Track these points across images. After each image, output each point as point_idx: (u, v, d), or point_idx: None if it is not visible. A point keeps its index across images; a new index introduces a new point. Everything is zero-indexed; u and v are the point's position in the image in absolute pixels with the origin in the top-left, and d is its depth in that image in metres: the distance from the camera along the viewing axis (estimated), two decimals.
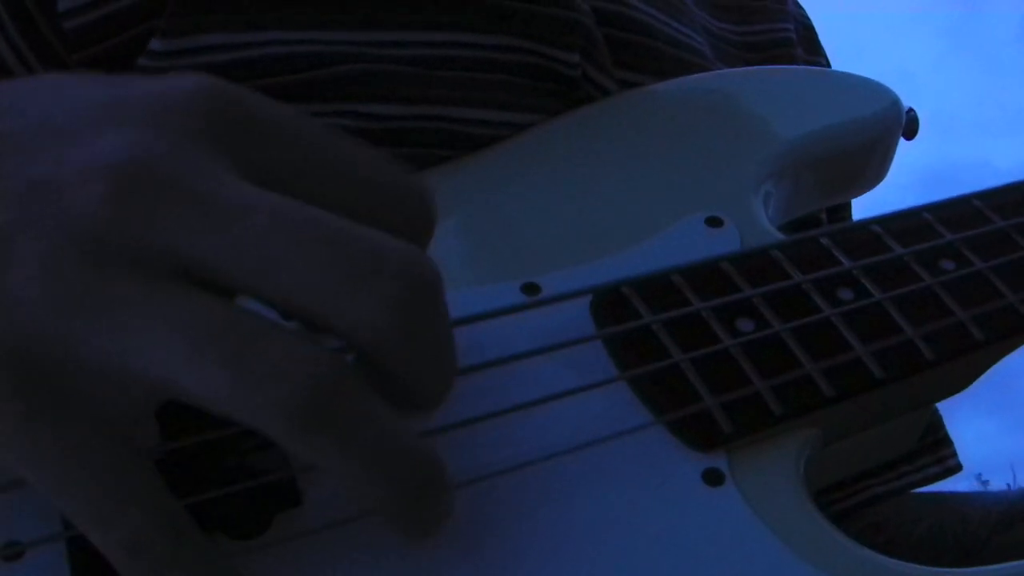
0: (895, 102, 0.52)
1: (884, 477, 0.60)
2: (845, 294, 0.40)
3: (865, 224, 0.43)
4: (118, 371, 0.26)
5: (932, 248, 0.42)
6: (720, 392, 0.36)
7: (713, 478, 0.34)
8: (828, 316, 0.39)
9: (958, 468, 0.64)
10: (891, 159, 0.53)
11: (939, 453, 0.62)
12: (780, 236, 0.43)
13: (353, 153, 0.30)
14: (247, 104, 0.29)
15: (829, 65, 0.68)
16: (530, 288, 0.40)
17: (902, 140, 0.53)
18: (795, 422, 0.36)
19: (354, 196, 0.29)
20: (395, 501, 0.27)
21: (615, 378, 0.36)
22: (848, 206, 0.63)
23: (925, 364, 0.38)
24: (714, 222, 0.43)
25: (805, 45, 0.66)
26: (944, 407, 0.56)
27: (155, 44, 0.43)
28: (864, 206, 0.56)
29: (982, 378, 0.42)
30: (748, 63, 0.62)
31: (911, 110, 0.53)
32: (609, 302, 0.39)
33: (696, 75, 0.52)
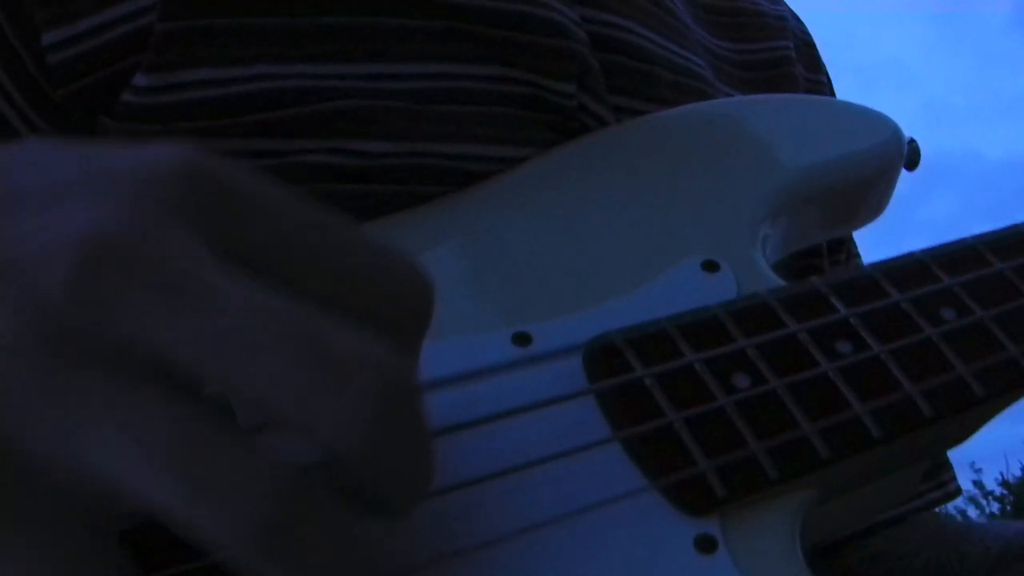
0: (897, 133, 0.51)
1: None
2: (843, 347, 0.39)
3: (865, 270, 0.42)
4: (67, 475, 0.24)
5: (932, 294, 0.41)
6: (714, 454, 0.35)
7: (706, 545, 0.34)
8: (826, 371, 0.38)
9: (958, 493, 0.64)
10: (892, 191, 0.52)
11: (940, 478, 0.61)
12: (777, 280, 0.42)
13: (342, 235, 0.28)
14: (228, 179, 0.27)
15: (830, 81, 0.67)
16: (521, 338, 0.39)
17: None
18: (791, 484, 0.36)
19: (339, 283, 0.27)
20: None
21: (608, 439, 0.35)
22: (850, 235, 0.62)
23: (924, 421, 0.37)
24: (710, 267, 0.42)
25: (805, 63, 0.65)
26: None
27: (139, 79, 0.42)
28: None
29: None
30: (747, 83, 0.61)
31: (912, 140, 0.52)
32: (602, 354, 0.38)
33: (693, 105, 0.51)
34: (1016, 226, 0.45)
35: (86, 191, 0.26)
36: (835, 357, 0.38)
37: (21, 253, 0.25)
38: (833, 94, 0.67)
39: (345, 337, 0.25)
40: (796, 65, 0.64)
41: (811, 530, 0.36)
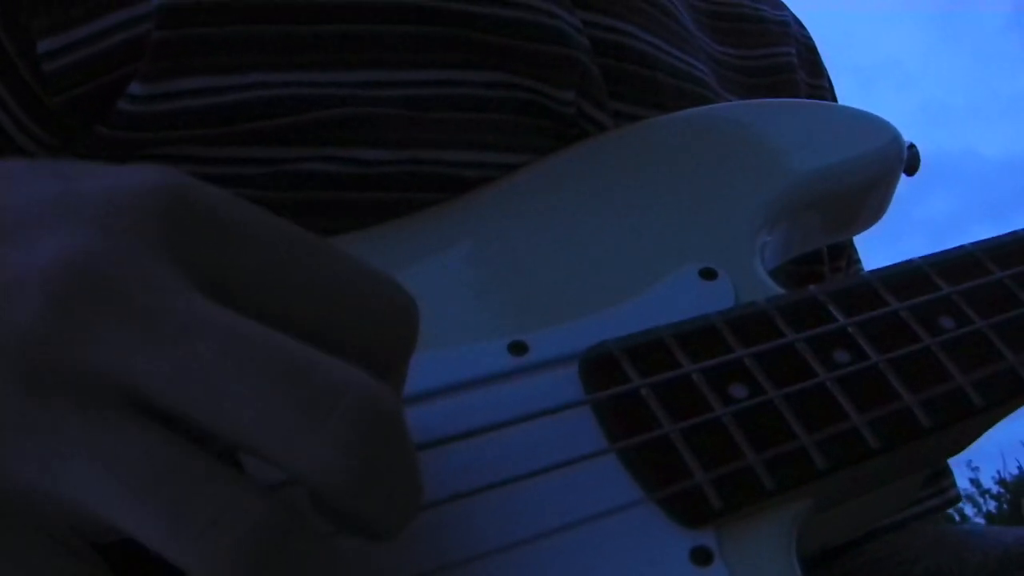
0: (896, 138, 0.50)
1: None
2: (841, 356, 0.39)
3: (864, 278, 0.42)
4: (46, 505, 0.24)
5: (931, 303, 0.41)
6: (711, 466, 0.35)
7: (701, 557, 0.33)
8: (823, 381, 0.38)
9: (958, 499, 0.63)
10: (892, 196, 0.51)
11: (939, 484, 0.61)
12: (776, 288, 0.42)
13: (326, 261, 0.27)
14: (208, 204, 0.27)
15: (831, 86, 0.67)
16: (517, 347, 0.38)
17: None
18: (787, 495, 0.35)
19: (321, 308, 0.27)
20: None
21: (604, 450, 0.35)
22: (850, 240, 0.62)
23: (922, 432, 0.37)
24: (708, 274, 0.42)
25: (807, 68, 0.65)
26: None
27: (134, 88, 0.42)
28: None
29: None
30: (749, 89, 0.60)
31: (912, 145, 0.52)
32: (598, 364, 0.38)
33: (691, 110, 0.50)
34: (1016, 233, 0.45)
35: (62, 217, 0.26)
36: (833, 367, 0.38)
37: None
38: (835, 99, 0.67)
39: (324, 366, 0.25)
40: (798, 71, 0.64)
41: (808, 539, 0.36)
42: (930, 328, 0.40)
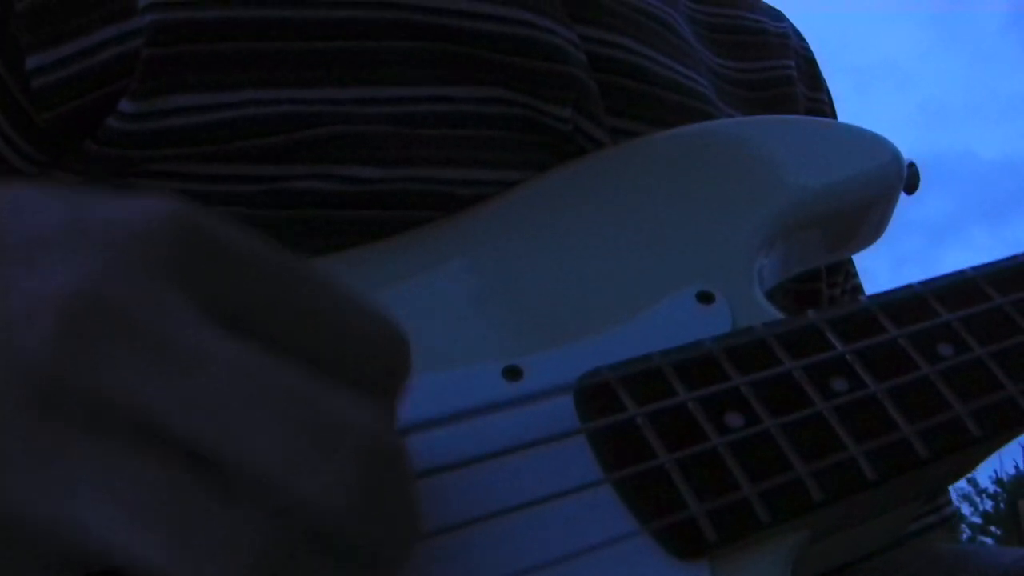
0: (896, 156, 0.50)
1: None
2: (839, 384, 0.38)
3: (862, 304, 0.41)
4: (44, 531, 0.24)
5: (930, 330, 0.40)
6: (706, 498, 0.34)
7: None
8: (820, 411, 0.37)
9: (955, 517, 0.63)
10: (891, 214, 0.51)
11: (936, 502, 0.61)
12: (773, 311, 0.42)
13: (328, 294, 0.28)
14: (216, 235, 0.27)
15: (831, 99, 0.67)
16: (512, 372, 0.38)
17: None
18: (783, 526, 0.35)
19: (324, 342, 0.27)
20: None
21: (599, 481, 0.35)
22: (848, 257, 0.62)
23: (919, 462, 0.37)
24: (705, 298, 0.42)
25: (807, 81, 0.65)
26: None
27: (124, 105, 0.42)
28: None
29: None
30: (748, 102, 0.60)
31: (912, 164, 0.51)
32: (593, 391, 0.37)
33: (691, 127, 0.50)
34: (1016, 257, 0.44)
35: (72, 245, 0.26)
36: (830, 395, 0.38)
37: (4, 307, 0.25)
38: (834, 112, 0.67)
39: (332, 400, 0.25)
40: (797, 84, 0.63)
41: (803, 566, 0.36)
42: (929, 356, 0.39)
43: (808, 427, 0.37)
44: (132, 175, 0.43)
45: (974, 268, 0.43)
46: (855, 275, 0.66)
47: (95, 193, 0.28)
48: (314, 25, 0.44)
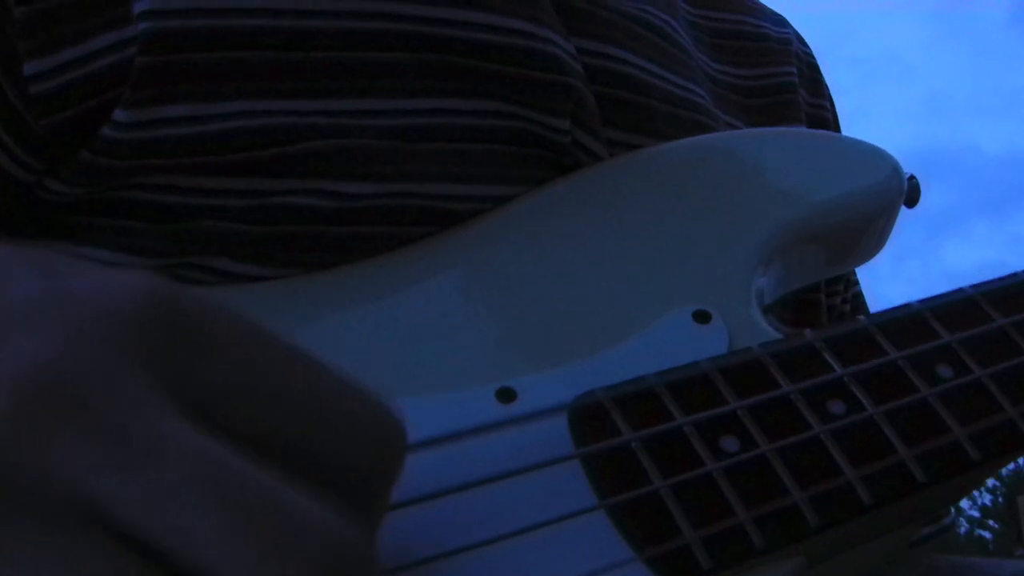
0: (896, 171, 0.49)
1: None
2: (836, 407, 0.38)
3: (860, 323, 0.41)
4: None
5: (928, 351, 0.40)
6: (700, 524, 0.34)
7: None
8: (817, 434, 0.37)
9: (952, 526, 0.63)
10: (892, 228, 0.51)
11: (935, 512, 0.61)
12: (770, 331, 0.41)
13: (311, 377, 0.26)
14: (193, 316, 0.26)
15: (832, 106, 0.66)
16: (505, 394, 0.38)
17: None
18: (778, 552, 0.35)
19: (301, 434, 0.26)
20: None
21: (593, 507, 0.34)
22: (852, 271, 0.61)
23: (917, 487, 0.36)
24: (702, 317, 0.41)
25: (808, 87, 0.64)
26: None
27: (118, 114, 0.41)
28: None
29: None
30: (747, 109, 0.59)
31: (912, 177, 0.51)
32: (588, 415, 0.37)
33: (687, 140, 0.49)
34: (1016, 276, 0.44)
35: (40, 320, 0.25)
36: (828, 418, 0.37)
37: None
38: (836, 118, 0.66)
39: (293, 504, 0.24)
40: (799, 91, 0.63)
41: None
42: (927, 378, 0.39)
43: (804, 451, 0.36)
44: (124, 187, 0.43)
45: (973, 286, 0.43)
46: (855, 282, 0.66)
47: (75, 264, 0.27)
48: (309, 36, 0.43)
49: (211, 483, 0.23)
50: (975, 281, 0.44)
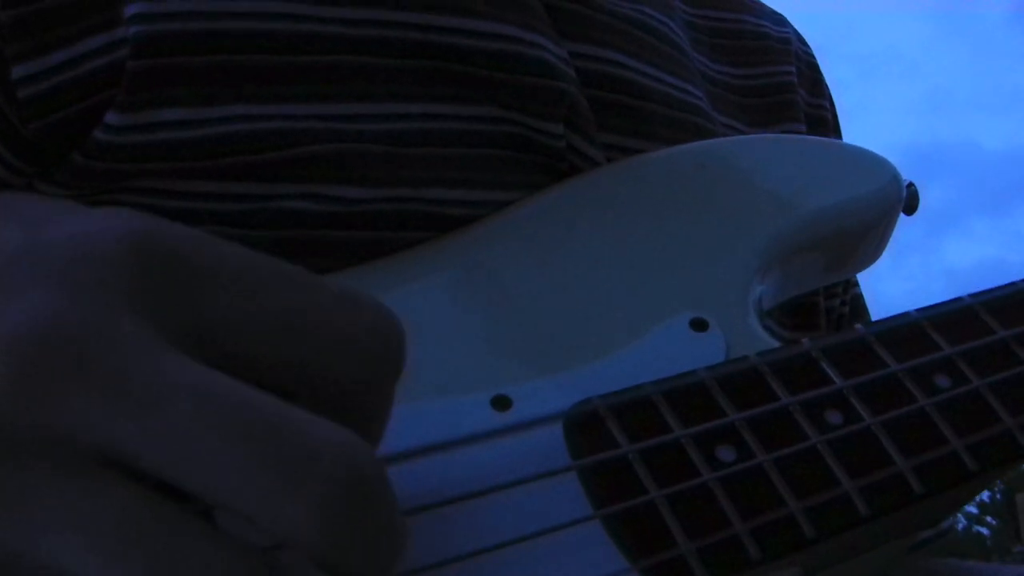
0: (896, 178, 0.49)
1: None
2: (833, 417, 0.38)
3: (858, 333, 0.41)
4: (25, 569, 0.24)
5: (927, 361, 0.40)
6: (696, 535, 0.34)
7: None
8: (814, 444, 0.37)
9: (951, 530, 0.63)
10: (890, 235, 0.50)
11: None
12: (768, 339, 0.41)
13: (301, 291, 0.27)
14: (177, 248, 0.26)
15: (832, 106, 0.66)
16: (500, 401, 0.37)
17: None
18: (774, 563, 0.34)
19: (300, 347, 0.27)
20: None
21: (588, 517, 0.34)
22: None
23: (914, 498, 0.36)
24: (699, 325, 0.41)
25: (808, 87, 0.64)
26: None
27: (111, 117, 0.41)
28: None
29: None
30: (745, 109, 0.59)
31: (911, 184, 0.50)
32: (584, 423, 0.37)
33: (684, 147, 0.49)
34: (1015, 285, 0.43)
35: (27, 276, 0.26)
36: (825, 429, 0.37)
37: None
38: (835, 119, 0.66)
39: (301, 425, 0.24)
40: (798, 91, 0.62)
41: None
42: (925, 388, 0.39)
43: (801, 462, 0.36)
44: (117, 190, 0.43)
45: (972, 295, 0.43)
46: (855, 284, 0.65)
47: (51, 210, 0.27)
48: (302, 40, 0.43)
49: (216, 414, 0.24)
50: (974, 277, 0.43)
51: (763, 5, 0.67)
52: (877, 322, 0.41)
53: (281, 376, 0.28)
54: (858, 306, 0.66)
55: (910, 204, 0.50)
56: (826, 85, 0.67)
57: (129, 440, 0.24)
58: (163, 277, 0.26)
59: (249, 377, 0.26)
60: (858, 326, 0.41)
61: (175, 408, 0.24)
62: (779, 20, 0.66)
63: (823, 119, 0.64)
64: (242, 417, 0.24)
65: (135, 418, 0.24)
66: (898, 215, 0.49)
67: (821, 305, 0.60)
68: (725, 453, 0.36)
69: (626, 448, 0.36)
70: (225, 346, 0.26)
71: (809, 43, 0.68)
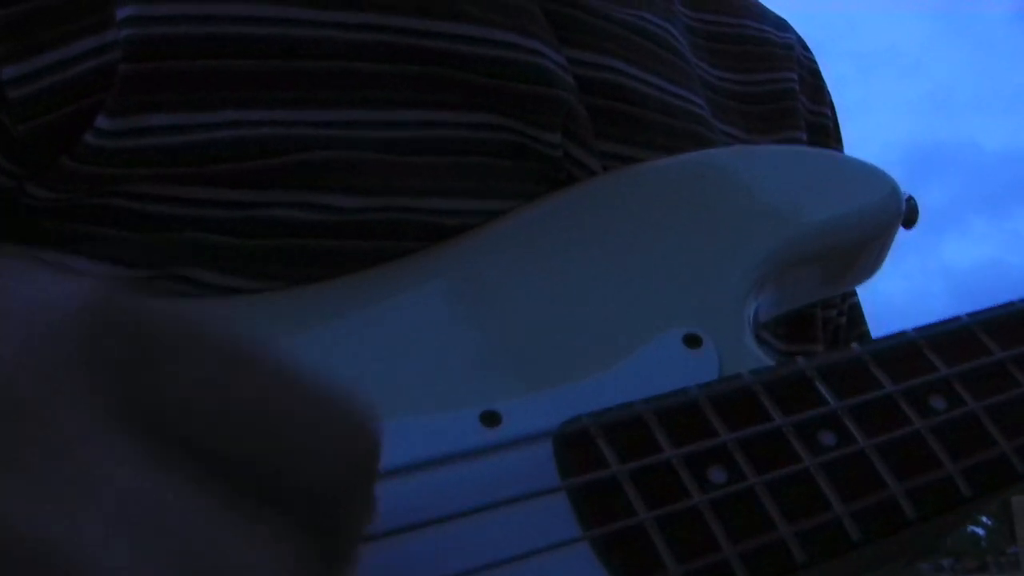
0: (895, 191, 0.49)
1: None
2: (826, 438, 0.37)
3: (854, 352, 0.40)
4: None
5: (923, 382, 0.39)
6: (685, 559, 0.33)
7: None
8: (807, 467, 0.36)
9: (942, 543, 0.62)
10: (889, 248, 0.50)
11: None
12: (762, 357, 0.41)
13: (265, 382, 0.25)
14: (143, 328, 0.24)
15: (834, 114, 0.65)
16: (490, 417, 0.37)
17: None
18: None
19: (257, 442, 0.24)
20: None
21: (577, 538, 0.34)
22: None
23: (906, 523, 0.36)
24: (693, 341, 0.40)
25: (809, 93, 0.63)
26: None
27: (101, 121, 0.40)
28: None
29: None
30: (746, 116, 0.58)
31: (910, 198, 0.50)
32: (574, 442, 0.36)
33: (683, 157, 0.48)
34: (1012, 305, 0.43)
35: None
36: (818, 450, 0.37)
37: None
38: (836, 127, 0.65)
39: (240, 545, 0.22)
40: (799, 97, 0.62)
41: None
42: (921, 409, 0.38)
43: (793, 484, 0.36)
44: (107, 195, 0.42)
45: (969, 315, 0.42)
46: (853, 293, 0.65)
47: (14, 270, 0.25)
48: (295, 45, 0.42)
49: (143, 519, 0.22)
50: (973, 278, 0.43)
51: (765, 9, 0.66)
52: (874, 341, 0.41)
53: (237, 472, 0.24)
54: (855, 316, 0.65)
55: (909, 217, 0.49)
56: (828, 92, 0.66)
57: (40, 529, 0.21)
58: (119, 354, 0.24)
59: (199, 468, 0.23)
60: (854, 345, 0.40)
61: (97, 504, 0.21)
62: (782, 25, 0.66)
63: (824, 127, 0.64)
64: (173, 521, 0.22)
65: (54, 513, 0.21)
66: (897, 228, 0.49)
67: (818, 316, 0.59)
68: (716, 474, 0.36)
69: (615, 468, 0.35)
70: (179, 434, 0.24)
71: (809, 41, 0.67)
